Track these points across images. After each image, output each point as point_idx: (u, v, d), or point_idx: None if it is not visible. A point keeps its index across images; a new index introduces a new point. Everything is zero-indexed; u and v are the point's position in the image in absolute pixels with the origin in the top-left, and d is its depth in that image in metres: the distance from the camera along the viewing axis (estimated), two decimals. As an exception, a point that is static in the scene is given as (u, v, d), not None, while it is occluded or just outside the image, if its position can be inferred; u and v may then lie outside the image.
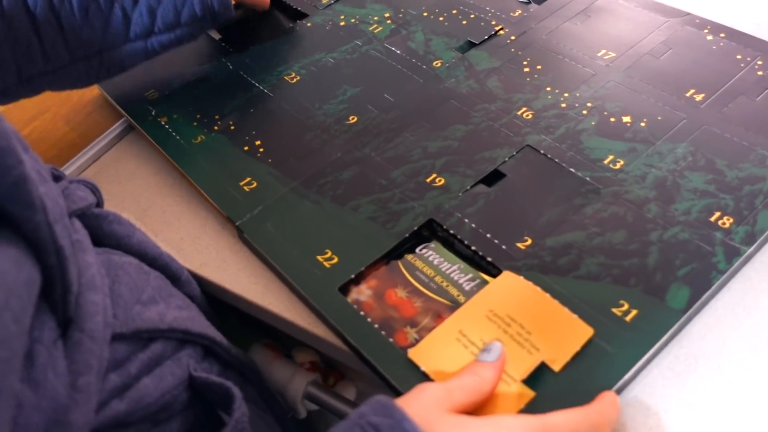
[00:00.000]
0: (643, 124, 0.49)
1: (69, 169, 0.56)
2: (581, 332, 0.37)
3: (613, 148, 0.47)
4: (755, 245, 0.40)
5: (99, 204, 0.42)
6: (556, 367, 0.36)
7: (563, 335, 0.37)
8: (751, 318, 0.39)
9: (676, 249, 0.41)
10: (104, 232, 0.40)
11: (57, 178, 0.41)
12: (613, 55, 0.55)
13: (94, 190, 0.42)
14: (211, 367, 0.41)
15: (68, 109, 0.62)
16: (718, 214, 0.42)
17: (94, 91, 0.63)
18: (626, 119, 0.49)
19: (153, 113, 0.57)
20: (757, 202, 0.42)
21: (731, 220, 0.42)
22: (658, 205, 0.43)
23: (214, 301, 0.48)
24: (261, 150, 0.52)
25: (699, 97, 0.50)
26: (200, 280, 0.47)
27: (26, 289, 0.28)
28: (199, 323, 0.41)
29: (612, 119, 0.49)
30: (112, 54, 0.51)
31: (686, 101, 0.50)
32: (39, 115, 0.62)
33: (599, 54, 0.55)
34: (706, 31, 0.55)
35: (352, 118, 0.53)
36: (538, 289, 0.39)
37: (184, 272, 0.45)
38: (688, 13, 0.57)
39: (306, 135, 0.52)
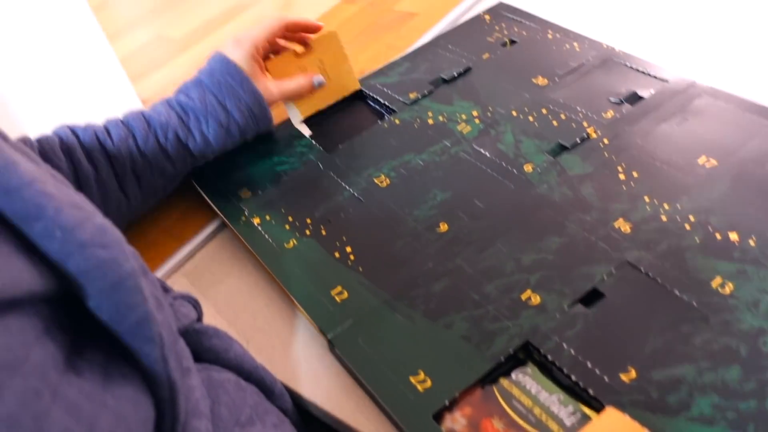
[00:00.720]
0: (752, 243, 0.46)
1: (167, 266, 0.57)
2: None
3: (721, 269, 0.45)
4: None
5: (199, 318, 0.43)
6: None
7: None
8: None
9: (798, 391, 0.38)
10: (204, 347, 0.41)
11: (164, 290, 0.42)
12: (715, 162, 0.53)
13: (196, 305, 0.43)
14: None
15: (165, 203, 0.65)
16: (843, 351, 0.39)
17: (190, 187, 0.66)
18: (733, 236, 0.47)
19: (246, 213, 0.58)
20: None
21: None
22: (775, 337, 0.41)
23: (303, 412, 0.48)
24: (352, 257, 0.52)
25: (812, 213, 0.47)
26: (291, 393, 0.47)
27: (144, 429, 0.29)
28: None
29: (718, 236, 0.47)
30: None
31: (798, 217, 0.47)
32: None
33: (699, 161, 0.53)
34: (815, 137, 0.53)
35: (443, 226, 0.53)
36: (647, 431, 0.37)
37: (277, 385, 0.45)
38: (795, 117, 0.55)
39: (397, 243, 0.52)
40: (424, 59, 0.72)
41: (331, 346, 0.47)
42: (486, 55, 0.70)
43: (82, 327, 0.30)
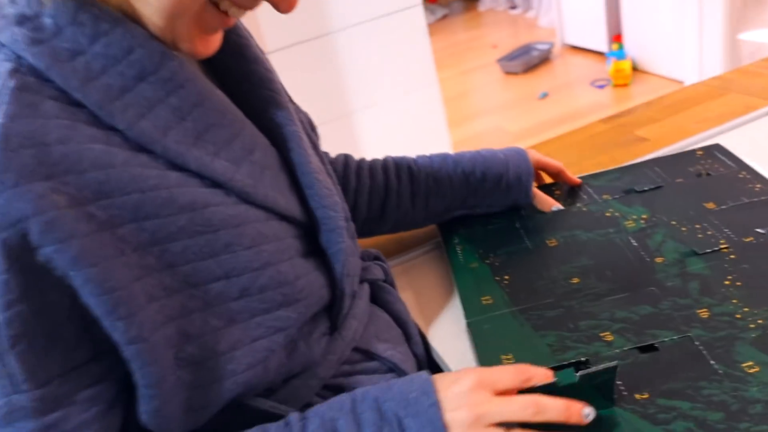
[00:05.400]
0: (796, 349, 0.58)
1: (393, 260, 0.88)
2: None
3: (758, 357, 0.58)
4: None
5: (386, 280, 0.73)
6: None
7: None
8: None
9: (755, 440, 0.51)
10: (380, 296, 0.71)
11: (372, 258, 0.73)
12: (811, 291, 0.64)
13: (386, 271, 0.73)
14: None
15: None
16: (810, 430, 0.51)
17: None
18: (784, 341, 0.59)
19: (456, 242, 0.86)
20: None
21: (817, 438, 0.50)
22: (765, 407, 0.53)
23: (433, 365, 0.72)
24: (506, 281, 0.76)
25: None
26: (429, 346, 0.72)
27: (319, 298, 0.59)
28: (409, 367, 0.66)
29: (771, 337, 0.60)
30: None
31: None
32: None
33: (798, 287, 0.65)
34: None
35: (575, 279, 0.73)
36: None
37: (416, 337, 0.71)
38: None
39: (539, 281, 0.74)
40: (631, 174, 0.92)
41: (468, 327, 0.71)
42: (679, 180, 0.88)
43: (318, 247, 0.61)
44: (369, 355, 0.64)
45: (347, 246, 0.60)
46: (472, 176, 0.82)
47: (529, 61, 3.65)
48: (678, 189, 0.86)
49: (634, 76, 3.23)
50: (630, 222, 0.81)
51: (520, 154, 0.85)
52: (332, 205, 0.59)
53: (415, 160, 0.83)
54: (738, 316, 0.63)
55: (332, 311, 0.62)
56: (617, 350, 0.63)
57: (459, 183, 0.83)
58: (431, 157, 0.84)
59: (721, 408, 0.54)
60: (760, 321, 0.62)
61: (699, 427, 0.53)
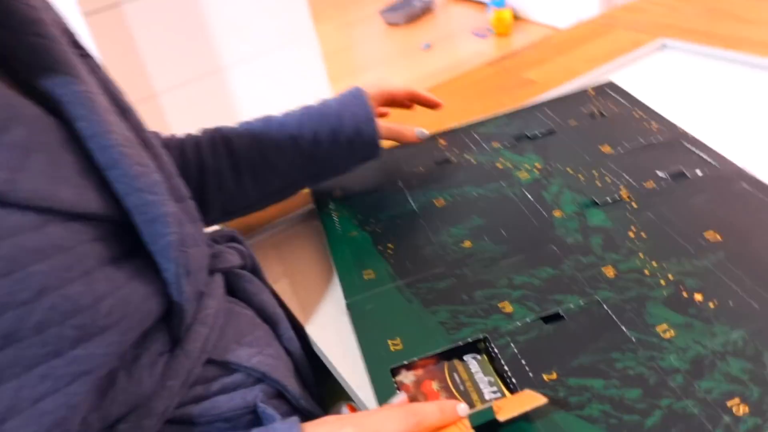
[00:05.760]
0: (711, 305, 0.52)
1: (260, 235, 0.75)
2: (535, 398, 0.44)
3: (672, 319, 0.51)
4: (757, 439, 0.42)
5: (245, 266, 0.59)
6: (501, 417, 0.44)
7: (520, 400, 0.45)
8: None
9: (678, 420, 0.44)
10: (238, 288, 0.57)
11: (226, 239, 0.60)
12: (719, 238, 0.58)
13: (245, 255, 0.59)
14: (280, 406, 0.53)
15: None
16: (737, 400, 0.44)
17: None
18: (698, 297, 0.53)
19: (332, 207, 0.74)
20: (783, 401, 0.43)
21: (746, 409, 0.43)
22: (685, 377, 0.46)
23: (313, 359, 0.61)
24: (390, 250, 0.65)
25: (783, 294, 0.51)
26: (307, 338, 0.61)
27: (143, 316, 0.44)
28: (281, 372, 0.54)
29: (684, 294, 0.53)
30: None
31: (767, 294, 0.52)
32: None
33: (706, 234, 0.59)
34: (827, 234, 0.56)
35: (467, 243, 0.64)
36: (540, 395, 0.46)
37: (288, 332, 0.58)
38: (818, 215, 0.58)
39: (426, 248, 0.65)
40: (521, 118, 0.84)
41: (348, 308, 0.60)
42: (573, 122, 0.80)
43: (138, 245, 0.45)
44: (228, 367, 0.51)
45: (180, 236, 0.46)
46: (301, 139, 0.68)
47: (411, 11, 3.56)
48: (571, 132, 0.78)
49: (515, 25, 3.21)
50: (523, 173, 0.73)
51: (356, 97, 0.70)
52: (149, 186, 0.44)
53: (234, 129, 0.69)
54: (646, 272, 0.56)
55: (171, 322, 0.48)
56: (518, 322, 0.54)
57: (289, 150, 0.68)
58: (251, 123, 0.70)
59: (638, 383, 0.47)
60: (670, 276, 0.55)
61: (616, 408, 0.46)
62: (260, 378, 0.53)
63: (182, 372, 0.47)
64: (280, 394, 0.54)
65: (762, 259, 0.55)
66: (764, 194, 0.62)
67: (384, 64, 3.22)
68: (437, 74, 2.94)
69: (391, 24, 3.59)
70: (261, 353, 0.53)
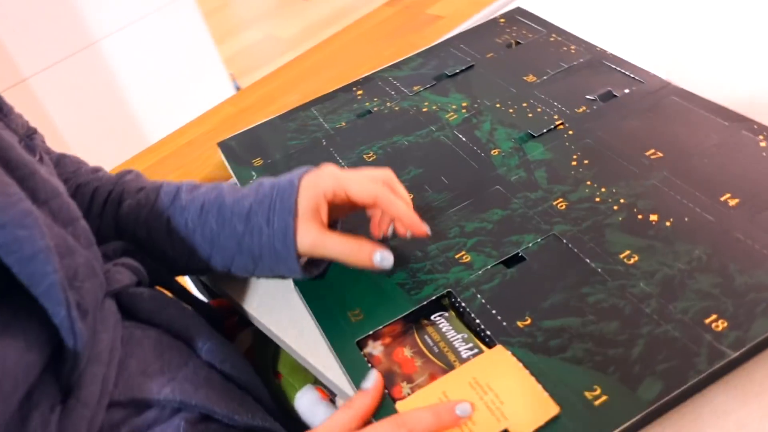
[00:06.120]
0: (668, 224, 0.51)
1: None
2: (548, 409, 0.41)
3: (632, 243, 0.50)
4: (741, 351, 0.41)
5: (141, 282, 0.50)
6: None
7: (532, 410, 0.41)
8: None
9: (663, 345, 0.43)
10: (137, 308, 0.48)
11: (117, 254, 0.51)
12: (661, 155, 0.57)
13: (137, 271, 0.50)
14: (208, 429, 0.46)
15: (192, 169, 0.76)
16: (714, 316, 0.44)
17: (216, 155, 0.77)
18: (653, 217, 0.52)
19: (254, 178, 0.68)
20: (758, 310, 0.43)
21: (725, 324, 0.43)
22: (659, 301, 0.46)
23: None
24: (328, 216, 0.61)
25: (733, 202, 0.51)
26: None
27: (24, 373, 0.36)
28: (203, 394, 0.46)
29: (639, 216, 0.52)
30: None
31: (719, 205, 0.51)
32: (166, 176, 0.77)
33: (647, 153, 0.58)
34: (761, 137, 0.56)
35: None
36: (520, 366, 0.44)
37: (207, 343, 0.50)
38: (748, 119, 0.58)
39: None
40: (435, 57, 0.80)
41: (295, 285, 0.56)
42: (490, 55, 0.77)
43: (12, 288, 0.37)
44: (138, 405, 0.43)
45: (70, 270, 0.39)
46: (198, 232, 0.53)
47: (284, -40, 3.41)
48: (491, 65, 0.75)
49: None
50: (451, 114, 0.70)
51: (282, 200, 0.50)
52: (17, 218, 0.36)
53: (134, 199, 0.56)
54: (597, 199, 0.55)
55: (60, 369, 0.39)
56: (480, 271, 0.51)
57: (182, 241, 0.53)
58: (160, 200, 0.55)
59: (614, 315, 0.46)
60: (622, 201, 0.54)
61: (598, 345, 0.44)
62: (179, 407, 0.45)
63: (82, 425, 0.39)
64: (206, 417, 0.47)
65: (706, 169, 0.55)
66: (694, 104, 0.62)
67: (268, 18, 3.07)
68: (327, 22, 2.84)
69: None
70: (174, 379, 0.45)
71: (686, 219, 0.51)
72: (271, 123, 0.77)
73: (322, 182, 0.51)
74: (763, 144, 0.56)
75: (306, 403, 0.59)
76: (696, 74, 0.67)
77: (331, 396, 0.60)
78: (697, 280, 0.46)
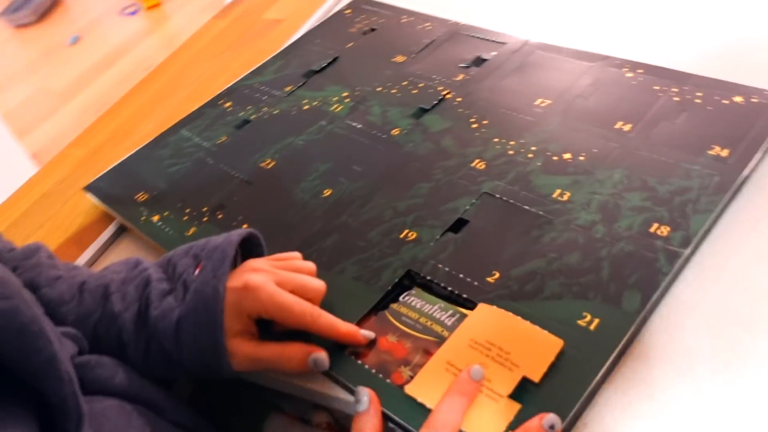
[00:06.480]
0: (582, 158, 0.55)
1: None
2: (553, 345, 0.42)
3: (559, 182, 0.54)
4: (692, 246, 0.46)
5: (82, 351, 0.44)
6: (536, 378, 0.41)
7: (538, 350, 0.42)
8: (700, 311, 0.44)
9: (624, 261, 0.46)
10: (88, 379, 0.42)
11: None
12: (549, 102, 0.62)
13: (76, 339, 0.44)
14: None
15: (62, 220, 0.68)
16: (656, 225, 0.48)
17: (84, 200, 0.69)
18: (567, 156, 0.56)
19: (145, 214, 0.62)
20: (688, 209, 0.48)
21: (668, 229, 0.47)
22: (604, 225, 0.49)
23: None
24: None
25: (627, 128, 0.57)
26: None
27: None
28: None
29: (555, 158, 0.56)
30: None
31: (616, 132, 0.56)
32: (34, 232, 0.68)
33: (536, 103, 0.62)
34: (625, 69, 0.63)
35: (327, 191, 0.59)
36: (510, 314, 0.45)
37: (170, 401, 0.46)
38: (608, 56, 0.65)
39: (288, 213, 0.58)
40: (295, 56, 0.79)
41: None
42: (350, 44, 0.78)
43: None
44: None
45: (57, 347, 0.32)
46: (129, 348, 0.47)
47: (37, 7, 3.12)
48: (356, 53, 0.76)
49: (164, -9, 3.03)
50: (336, 106, 0.69)
51: (206, 313, 0.45)
52: None
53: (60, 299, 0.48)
54: (511, 152, 0.58)
55: None
56: (431, 243, 0.52)
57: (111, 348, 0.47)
58: (83, 303, 0.48)
59: (572, 247, 0.48)
60: (533, 148, 0.57)
61: (570, 277, 0.46)
62: None
63: None
64: None
65: (592, 105, 0.60)
66: (557, 53, 0.67)
67: (33, 71, 2.79)
68: (101, 66, 2.64)
69: (20, 26, 3.14)
70: None
71: (595, 150, 0.55)
72: (140, 154, 0.70)
73: (246, 305, 0.45)
74: (629, 74, 0.62)
75: (276, 428, 0.55)
76: (542, 29, 0.73)
77: (300, 416, 0.56)
78: (627, 199, 0.51)
